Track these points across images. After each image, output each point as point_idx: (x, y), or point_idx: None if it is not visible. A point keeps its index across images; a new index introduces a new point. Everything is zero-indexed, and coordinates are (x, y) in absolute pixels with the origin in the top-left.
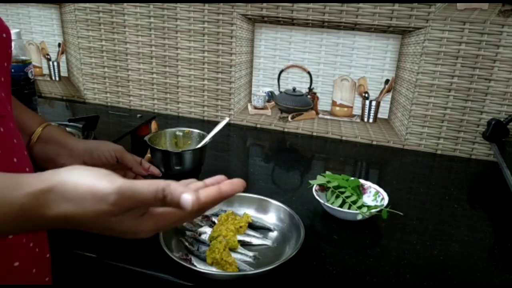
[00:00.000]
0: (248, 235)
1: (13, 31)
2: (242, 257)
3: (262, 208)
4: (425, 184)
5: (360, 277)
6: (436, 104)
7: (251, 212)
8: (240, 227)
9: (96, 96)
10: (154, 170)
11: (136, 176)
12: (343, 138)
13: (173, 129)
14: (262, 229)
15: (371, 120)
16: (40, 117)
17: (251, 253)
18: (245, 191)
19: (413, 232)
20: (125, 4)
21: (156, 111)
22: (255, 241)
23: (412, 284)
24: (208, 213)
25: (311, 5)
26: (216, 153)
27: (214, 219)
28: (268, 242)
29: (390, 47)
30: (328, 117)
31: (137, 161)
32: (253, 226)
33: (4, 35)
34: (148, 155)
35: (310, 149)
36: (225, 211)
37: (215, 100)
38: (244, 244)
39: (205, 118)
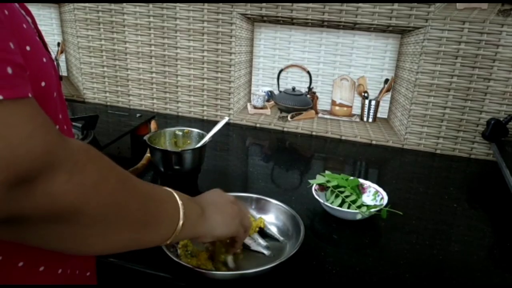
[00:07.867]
0: (251, 238)
1: None
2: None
3: (262, 207)
4: (425, 183)
5: (359, 276)
6: (436, 104)
7: (270, 219)
8: None
9: (95, 96)
10: None
11: None
12: (343, 137)
13: (173, 129)
14: (270, 238)
15: (370, 120)
16: None
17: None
18: (244, 190)
19: (412, 231)
20: (124, 3)
21: (155, 110)
22: (253, 246)
23: (412, 284)
24: None
25: (310, 4)
26: (215, 153)
27: None
28: (265, 251)
29: (390, 46)
30: (328, 116)
31: None
32: (263, 232)
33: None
34: (148, 154)
35: (309, 148)
36: None
37: (214, 99)
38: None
39: (205, 118)
